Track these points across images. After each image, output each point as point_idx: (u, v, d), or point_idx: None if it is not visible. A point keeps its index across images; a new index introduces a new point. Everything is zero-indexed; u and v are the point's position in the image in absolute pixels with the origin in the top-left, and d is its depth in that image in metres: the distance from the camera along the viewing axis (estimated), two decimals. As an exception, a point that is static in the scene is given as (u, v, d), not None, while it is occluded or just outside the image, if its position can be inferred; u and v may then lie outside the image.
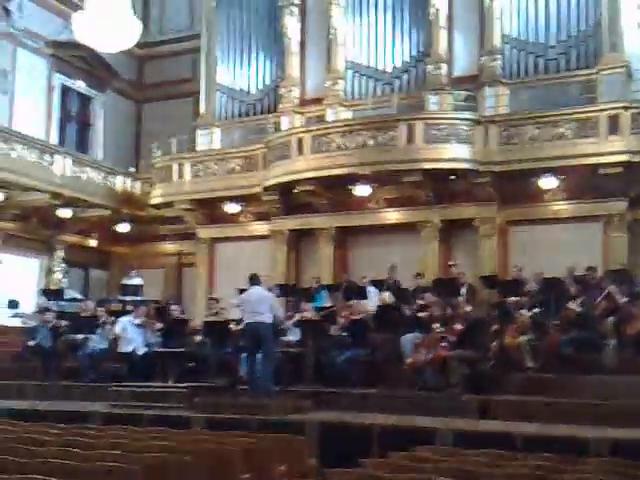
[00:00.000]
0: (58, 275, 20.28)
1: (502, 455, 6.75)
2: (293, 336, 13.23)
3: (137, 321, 14.06)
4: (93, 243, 21.43)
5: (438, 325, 11.60)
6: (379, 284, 14.76)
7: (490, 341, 11.64)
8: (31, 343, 15.12)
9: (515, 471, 5.88)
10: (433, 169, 15.61)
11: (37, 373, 14.80)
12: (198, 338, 13.88)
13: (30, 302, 17.44)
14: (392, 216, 16.88)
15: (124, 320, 14.13)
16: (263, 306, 11.34)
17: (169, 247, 21.31)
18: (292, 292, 15.61)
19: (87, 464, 6.03)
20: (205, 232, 19.02)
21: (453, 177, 15.90)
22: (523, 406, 10.12)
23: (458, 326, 11.33)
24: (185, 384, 12.09)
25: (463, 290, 14.25)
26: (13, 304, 17.04)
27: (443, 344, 11.17)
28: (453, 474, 5.68)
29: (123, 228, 20.63)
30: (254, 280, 11.78)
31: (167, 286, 21.07)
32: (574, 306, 11.73)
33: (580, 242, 15.06)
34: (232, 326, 13.19)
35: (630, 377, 10.68)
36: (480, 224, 16.03)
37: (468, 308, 11.78)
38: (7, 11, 19.55)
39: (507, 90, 16.42)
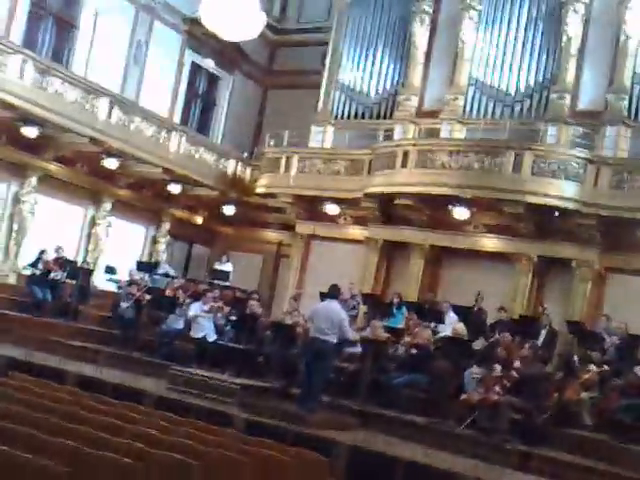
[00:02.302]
0: (161, 246, 20.91)
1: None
2: (358, 349, 13.12)
3: (205, 307, 14.32)
4: (199, 220, 21.94)
5: (499, 367, 11.24)
6: (462, 310, 14.43)
7: (550, 393, 11.18)
8: (120, 308, 15.70)
9: None
10: (536, 203, 15.15)
11: (116, 341, 15.36)
12: (268, 334, 14.02)
13: (130, 268, 17.90)
14: (488, 243, 16.48)
15: (195, 305, 14.43)
16: (331, 325, 10.74)
17: (270, 235, 21.53)
18: (371, 304, 15.48)
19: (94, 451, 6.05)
20: (303, 227, 19.15)
21: (557, 214, 15.35)
22: (564, 465, 9.69)
23: (514, 374, 10.95)
24: (240, 380, 12.20)
25: (543, 331, 13.88)
26: (110, 270, 17.70)
27: (498, 387, 10.82)
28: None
29: (229, 210, 21.01)
30: (332, 292, 11.21)
31: (264, 272, 21.38)
32: (640, 372, 11.10)
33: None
34: (300, 329, 13.22)
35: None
36: (578, 266, 15.46)
37: (517, 363, 11.27)
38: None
39: (629, 132, 15.69)
